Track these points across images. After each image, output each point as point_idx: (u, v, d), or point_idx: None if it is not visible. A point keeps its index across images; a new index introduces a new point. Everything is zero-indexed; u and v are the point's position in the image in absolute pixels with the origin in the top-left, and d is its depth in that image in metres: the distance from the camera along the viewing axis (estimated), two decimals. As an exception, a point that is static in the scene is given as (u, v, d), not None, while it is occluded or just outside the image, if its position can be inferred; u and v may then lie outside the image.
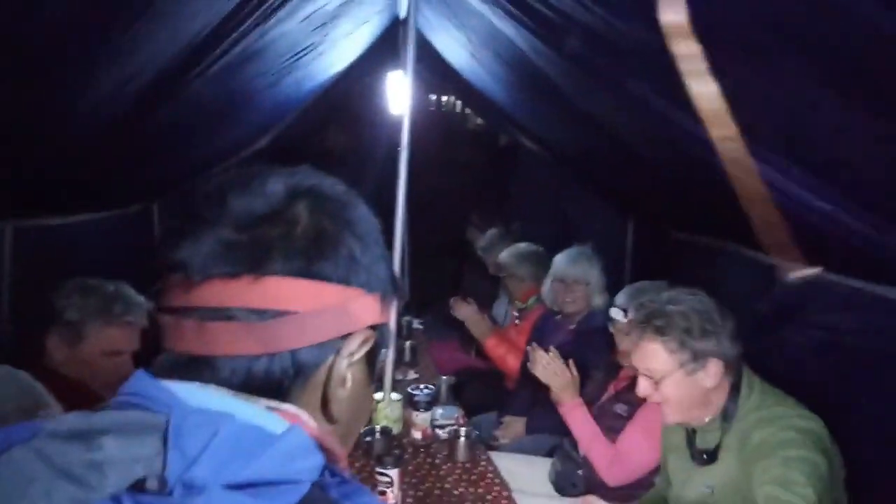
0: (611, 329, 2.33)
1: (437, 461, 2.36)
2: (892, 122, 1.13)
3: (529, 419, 2.77)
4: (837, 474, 1.62)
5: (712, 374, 1.64)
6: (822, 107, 1.27)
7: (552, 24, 1.91)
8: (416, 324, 3.92)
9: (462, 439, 2.37)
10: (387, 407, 2.46)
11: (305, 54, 2.90)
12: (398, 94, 3.17)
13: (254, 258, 0.60)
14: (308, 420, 0.63)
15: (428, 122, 5.10)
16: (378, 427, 2.37)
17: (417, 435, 2.48)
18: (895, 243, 1.61)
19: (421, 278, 4.69)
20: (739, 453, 1.64)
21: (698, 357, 1.63)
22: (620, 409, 2.21)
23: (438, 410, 2.59)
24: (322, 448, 0.60)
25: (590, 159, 3.41)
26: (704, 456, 1.71)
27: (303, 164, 0.67)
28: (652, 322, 1.67)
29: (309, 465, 0.57)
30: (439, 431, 2.51)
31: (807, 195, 1.67)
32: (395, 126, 2.64)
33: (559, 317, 3.00)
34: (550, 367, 2.38)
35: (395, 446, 2.33)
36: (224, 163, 4.04)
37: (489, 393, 3.14)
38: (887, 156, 1.26)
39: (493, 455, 2.43)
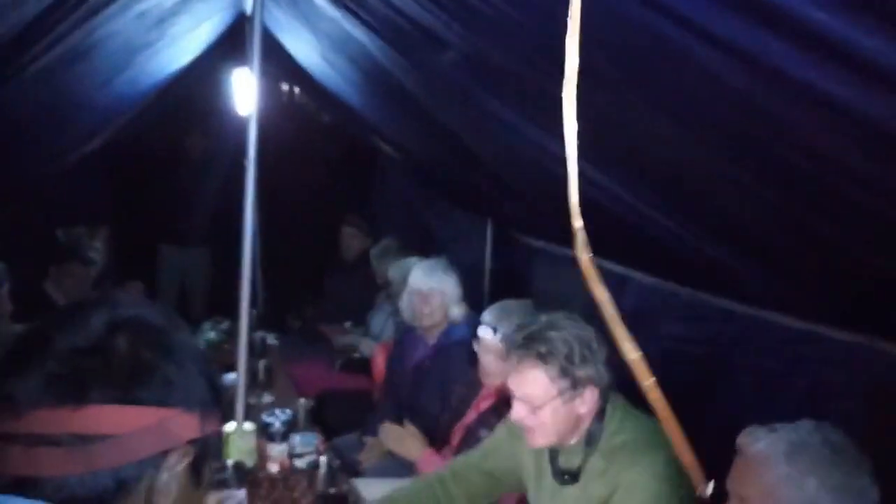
0: (476, 347, 2.26)
1: (295, 494, 2.23)
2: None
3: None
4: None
5: (588, 400, 1.63)
6: (660, 131, 1.32)
7: (405, 32, 1.85)
8: (272, 339, 3.60)
9: (322, 469, 2.25)
10: (239, 438, 2.30)
11: (141, 52, 2.66)
12: (244, 92, 2.95)
13: (75, 389, 0.67)
14: None
15: (279, 116, 4.84)
16: (230, 462, 2.21)
17: (274, 467, 2.33)
18: (719, 257, 1.72)
19: (277, 287, 4.36)
20: (602, 478, 1.65)
21: (577, 385, 1.61)
22: (485, 433, 2.17)
23: (296, 438, 2.45)
24: None
25: (442, 165, 3.39)
26: (566, 476, 1.71)
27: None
28: (534, 348, 1.61)
29: None
30: (297, 462, 2.37)
31: (648, 210, 1.74)
32: (243, 126, 2.48)
33: (419, 331, 2.93)
34: (394, 437, 2.45)
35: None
36: (52, 167, 3.64)
37: (352, 412, 3.02)
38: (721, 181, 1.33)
39: (358, 481, 2.35)
